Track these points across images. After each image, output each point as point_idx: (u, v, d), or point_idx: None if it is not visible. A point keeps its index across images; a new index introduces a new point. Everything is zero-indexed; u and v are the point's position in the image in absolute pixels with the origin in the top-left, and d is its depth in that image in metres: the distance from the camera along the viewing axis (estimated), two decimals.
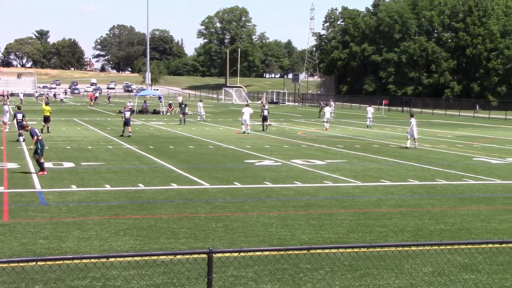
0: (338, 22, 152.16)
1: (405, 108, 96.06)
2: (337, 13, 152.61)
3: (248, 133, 43.97)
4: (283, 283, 10.81)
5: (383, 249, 12.11)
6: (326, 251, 11.94)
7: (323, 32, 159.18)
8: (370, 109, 54.58)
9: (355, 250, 12.25)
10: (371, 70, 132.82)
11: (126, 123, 39.85)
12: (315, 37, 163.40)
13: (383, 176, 24.00)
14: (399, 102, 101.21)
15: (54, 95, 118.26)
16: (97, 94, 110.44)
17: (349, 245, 12.92)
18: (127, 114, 40.26)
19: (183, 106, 55.13)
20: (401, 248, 12.19)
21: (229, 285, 10.63)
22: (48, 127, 41.90)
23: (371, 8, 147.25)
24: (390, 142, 39.27)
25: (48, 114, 42.59)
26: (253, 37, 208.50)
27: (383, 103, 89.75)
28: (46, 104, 44.72)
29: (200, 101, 64.62)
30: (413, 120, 35.34)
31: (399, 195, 19.94)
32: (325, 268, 11.61)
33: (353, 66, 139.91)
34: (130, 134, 39.40)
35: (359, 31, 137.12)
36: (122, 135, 39.89)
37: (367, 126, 53.19)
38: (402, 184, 22.21)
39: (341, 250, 11.88)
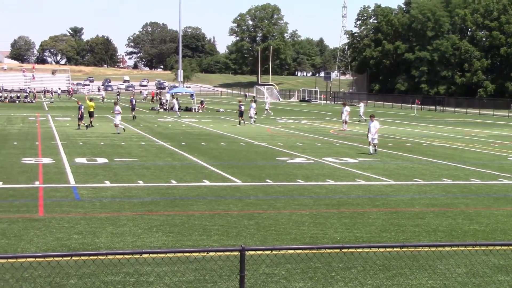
0: (371, 20, 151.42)
1: (438, 107, 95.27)
2: (370, 11, 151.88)
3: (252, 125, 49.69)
4: (315, 281, 10.78)
5: (416, 249, 12.00)
6: (359, 250, 11.90)
7: (355, 30, 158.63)
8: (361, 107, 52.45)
9: (388, 249, 12.17)
10: (403, 69, 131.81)
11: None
12: (347, 35, 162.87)
13: (416, 175, 23.81)
14: (432, 101, 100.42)
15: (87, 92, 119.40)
16: (145, 93, 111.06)
17: (381, 244, 12.82)
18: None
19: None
20: (434, 248, 12.12)
21: (261, 283, 10.63)
22: (91, 122, 43.69)
23: (403, 5, 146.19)
24: (423, 141, 38.95)
25: (92, 109, 44.71)
26: (285, 35, 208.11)
27: (416, 102, 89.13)
28: (90, 100, 45.97)
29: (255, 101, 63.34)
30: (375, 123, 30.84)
31: (432, 194, 19.76)
32: (357, 267, 11.55)
33: (386, 65, 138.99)
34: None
35: (392, 28, 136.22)
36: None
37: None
38: (435, 183, 22.01)
39: (373, 250, 11.80)
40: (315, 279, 10.90)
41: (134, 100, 56.84)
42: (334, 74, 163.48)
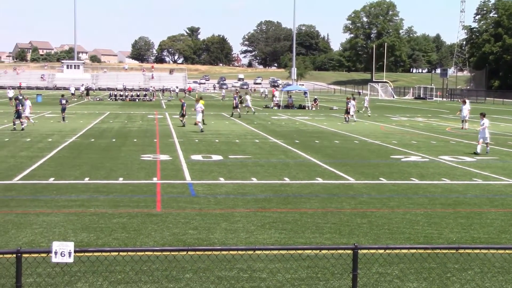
0: (491, 14, 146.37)
1: None
2: (490, 5, 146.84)
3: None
4: (429, 282, 10.57)
5: None
6: (476, 251, 11.57)
7: (474, 25, 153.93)
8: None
9: (507, 251, 11.75)
10: None
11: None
12: (465, 30, 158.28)
13: None
14: None
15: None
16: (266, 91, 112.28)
17: (500, 246, 12.41)
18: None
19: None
20: None
21: (374, 282, 10.54)
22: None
23: None
24: None
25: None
26: (400, 31, 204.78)
27: None
28: (201, 98, 46.58)
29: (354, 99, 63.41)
30: (485, 121, 29.54)
31: None
32: (474, 269, 11.24)
33: (506, 60, 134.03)
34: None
35: None
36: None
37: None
38: None
39: (492, 251, 11.43)
40: (430, 279, 10.69)
41: (237, 98, 56.81)
42: (451, 71, 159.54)
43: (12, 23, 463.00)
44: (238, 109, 55.27)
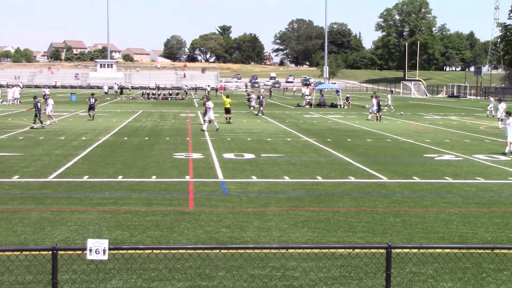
0: None
1: None
2: None
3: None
4: (464, 282, 10.47)
5: None
6: None
7: (508, 22, 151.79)
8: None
9: None
10: None
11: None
12: (500, 28, 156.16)
13: None
14: None
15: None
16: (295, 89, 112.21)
17: None
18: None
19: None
20: None
21: (407, 281, 10.47)
22: (230, 117, 44.82)
23: None
24: None
25: (228, 106, 45.12)
26: (433, 29, 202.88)
27: None
28: (227, 96, 46.64)
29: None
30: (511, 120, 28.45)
31: None
32: (510, 269, 11.10)
33: None
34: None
35: None
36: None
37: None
38: None
39: None
40: (465, 279, 10.59)
41: (261, 96, 56.39)
42: (485, 69, 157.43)
43: (47, 23, 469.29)
44: (261, 107, 55.20)
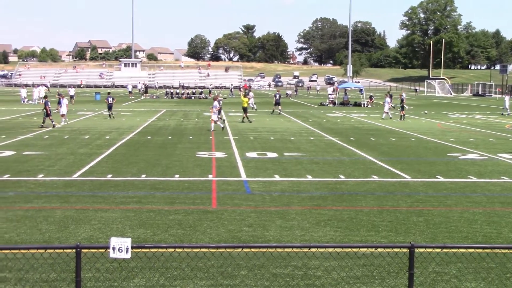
0: None
1: None
2: None
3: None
4: (488, 282, 10.39)
5: None
6: None
7: None
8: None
9: None
10: None
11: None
12: None
13: None
14: None
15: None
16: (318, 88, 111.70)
17: None
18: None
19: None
20: None
21: (430, 281, 10.41)
22: (247, 117, 44.92)
23: None
24: None
25: (245, 105, 45.39)
26: (458, 27, 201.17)
27: None
28: (245, 96, 46.78)
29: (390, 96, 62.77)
30: None
31: None
32: None
33: None
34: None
35: None
36: None
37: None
38: None
39: None
40: (489, 280, 10.51)
41: (277, 95, 56.19)
42: (511, 67, 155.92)
43: (72, 23, 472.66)
44: (279, 106, 55.28)
